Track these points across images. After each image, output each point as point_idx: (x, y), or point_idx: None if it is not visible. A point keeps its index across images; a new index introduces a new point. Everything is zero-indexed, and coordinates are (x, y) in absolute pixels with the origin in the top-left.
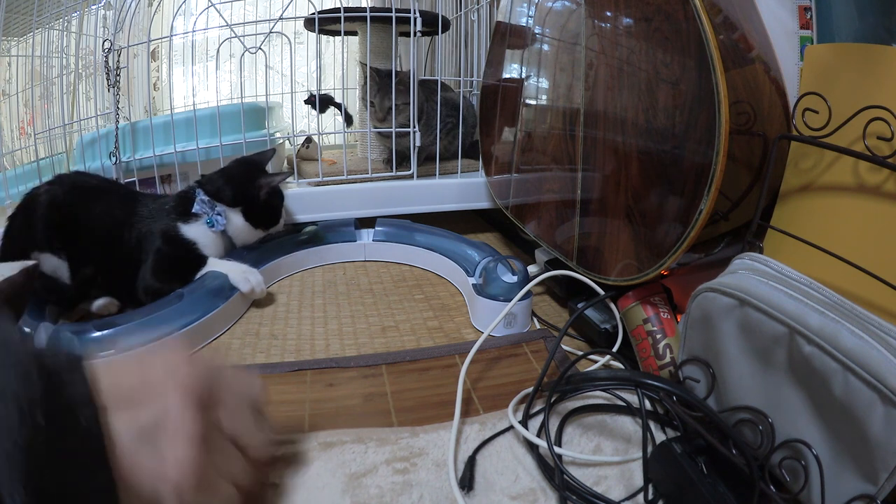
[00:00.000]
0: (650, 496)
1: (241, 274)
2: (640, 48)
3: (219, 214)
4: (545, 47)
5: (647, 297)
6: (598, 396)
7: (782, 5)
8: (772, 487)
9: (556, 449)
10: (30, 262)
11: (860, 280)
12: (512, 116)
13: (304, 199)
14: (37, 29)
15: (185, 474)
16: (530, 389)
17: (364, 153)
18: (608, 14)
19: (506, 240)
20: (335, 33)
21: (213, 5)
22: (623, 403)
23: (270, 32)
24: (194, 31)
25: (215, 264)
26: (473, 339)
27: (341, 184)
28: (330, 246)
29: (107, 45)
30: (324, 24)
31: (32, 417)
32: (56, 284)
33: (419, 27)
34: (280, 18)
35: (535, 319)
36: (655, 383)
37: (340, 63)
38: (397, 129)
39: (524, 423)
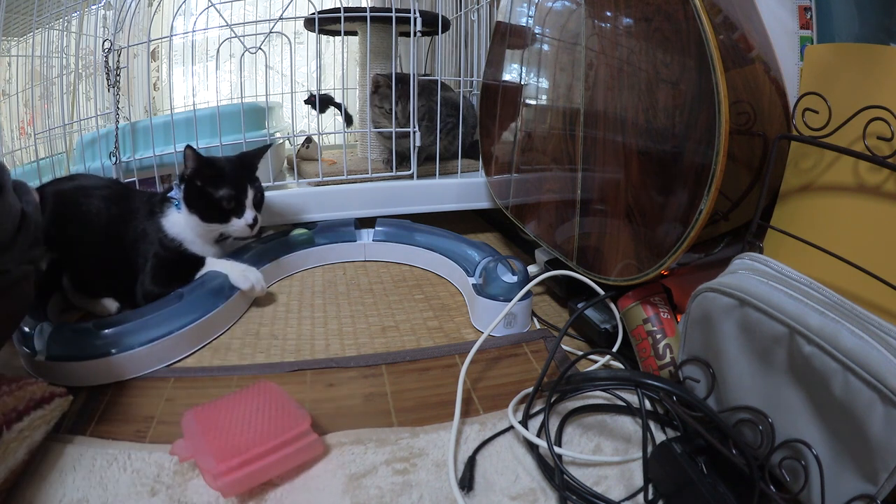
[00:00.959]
0: (650, 496)
1: (240, 272)
2: (640, 48)
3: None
4: (545, 47)
5: (647, 297)
6: (598, 396)
7: (782, 5)
8: (772, 487)
9: (556, 449)
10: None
11: (860, 280)
12: (512, 116)
13: (304, 199)
14: (37, 29)
15: None
16: (530, 389)
17: (364, 153)
18: (608, 14)
19: (506, 240)
20: (335, 33)
21: (213, 5)
22: (623, 403)
23: (270, 32)
24: (194, 31)
25: (214, 264)
26: (473, 339)
27: (341, 184)
28: (330, 246)
29: (107, 45)
30: (324, 24)
31: None
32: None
33: (419, 27)
34: (280, 18)
35: (535, 319)
36: (655, 383)
37: (340, 63)
38: (397, 130)
39: (524, 423)
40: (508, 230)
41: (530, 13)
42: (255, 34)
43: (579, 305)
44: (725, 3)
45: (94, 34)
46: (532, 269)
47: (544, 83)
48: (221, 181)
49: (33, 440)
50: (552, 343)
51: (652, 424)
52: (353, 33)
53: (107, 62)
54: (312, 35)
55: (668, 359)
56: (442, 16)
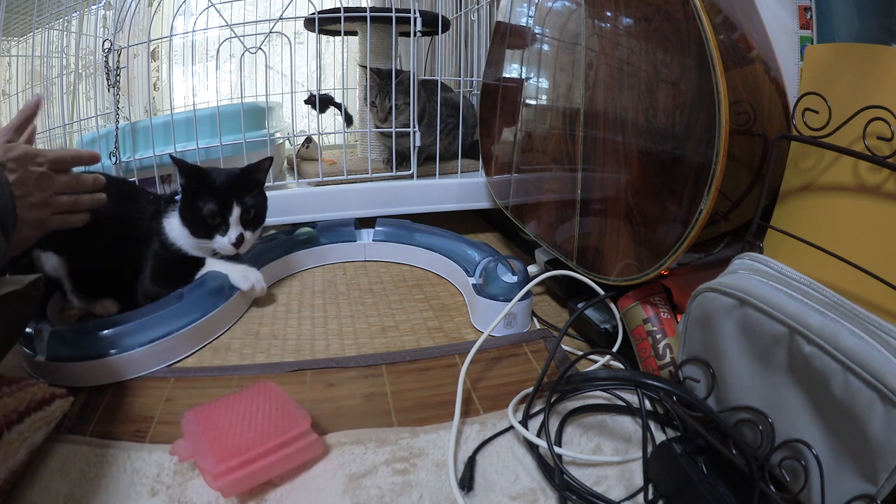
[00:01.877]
0: (650, 496)
1: (240, 273)
2: (640, 48)
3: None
4: (545, 47)
5: (647, 297)
6: (598, 396)
7: (782, 5)
8: (772, 487)
9: (556, 449)
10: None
11: (860, 280)
12: (512, 116)
13: (304, 199)
14: (37, 29)
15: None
16: (530, 389)
17: (364, 153)
18: (608, 14)
19: (506, 240)
20: (335, 33)
21: (213, 5)
22: (623, 403)
23: (270, 32)
24: (194, 31)
25: (214, 264)
26: (473, 339)
27: (341, 184)
28: (330, 246)
29: (107, 45)
30: (324, 24)
31: None
32: (55, 283)
33: (419, 27)
34: (280, 18)
35: (535, 319)
36: (655, 383)
37: (340, 63)
38: (398, 130)
39: (524, 423)
40: (508, 230)
41: (530, 13)
42: (256, 34)
43: (579, 305)
44: (725, 3)
45: (94, 34)
46: (532, 269)
47: (544, 83)
48: (209, 195)
49: (34, 441)
50: (552, 343)
51: (652, 424)
52: (353, 33)
53: (107, 62)
54: (312, 35)
55: (668, 359)
56: (442, 16)
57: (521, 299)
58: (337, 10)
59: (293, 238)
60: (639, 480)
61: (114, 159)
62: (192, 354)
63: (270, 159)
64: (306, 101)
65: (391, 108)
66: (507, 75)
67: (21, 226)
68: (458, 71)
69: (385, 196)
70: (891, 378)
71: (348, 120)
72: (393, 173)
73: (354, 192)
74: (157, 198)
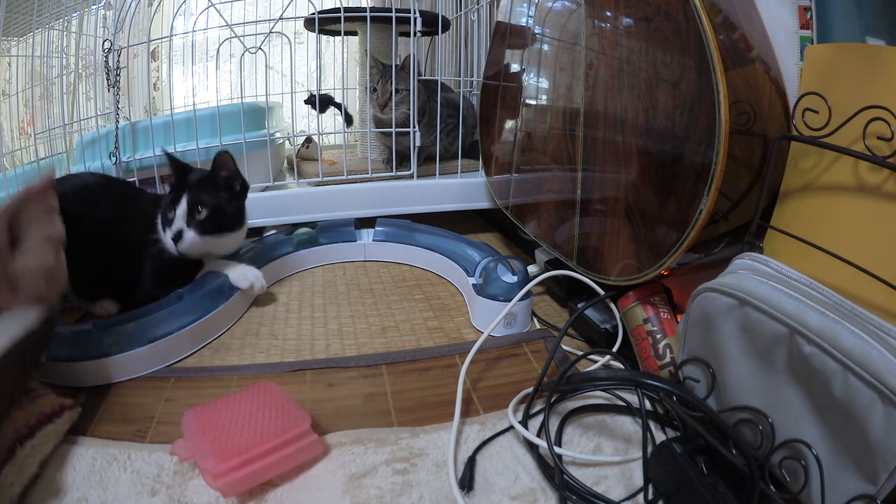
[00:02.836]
0: (650, 496)
1: (240, 272)
2: (640, 48)
3: None
4: (545, 47)
5: (647, 297)
6: (598, 396)
7: (782, 5)
8: (772, 487)
9: (557, 449)
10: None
11: (860, 280)
12: (512, 116)
13: (304, 199)
14: (37, 29)
15: None
16: (530, 389)
17: (364, 153)
18: (608, 14)
19: (506, 240)
20: (335, 33)
21: (213, 5)
22: (623, 403)
23: (270, 32)
24: (194, 31)
25: (214, 264)
26: (473, 339)
27: (341, 184)
28: (330, 246)
29: (107, 45)
30: (324, 24)
31: None
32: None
33: (419, 27)
34: (280, 18)
35: (535, 319)
36: (655, 383)
37: (340, 63)
38: (398, 129)
39: (524, 423)
40: (508, 230)
41: (530, 13)
42: (255, 34)
43: (579, 305)
44: (725, 3)
45: (94, 34)
46: (532, 269)
47: (544, 83)
48: (175, 189)
49: (44, 452)
50: (552, 343)
51: (652, 424)
52: (353, 33)
53: (107, 62)
54: (312, 35)
55: (668, 359)
56: (442, 16)
57: (522, 299)
58: (337, 10)
59: (293, 238)
60: (639, 480)
61: (114, 159)
62: (192, 354)
63: (226, 152)
64: (306, 101)
65: (392, 92)
66: (508, 75)
67: None
68: (458, 71)
69: (385, 196)
70: (891, 378)
71: (348, 120)
72: (393, 173)
73: (354, 192)
74: (157, 198)
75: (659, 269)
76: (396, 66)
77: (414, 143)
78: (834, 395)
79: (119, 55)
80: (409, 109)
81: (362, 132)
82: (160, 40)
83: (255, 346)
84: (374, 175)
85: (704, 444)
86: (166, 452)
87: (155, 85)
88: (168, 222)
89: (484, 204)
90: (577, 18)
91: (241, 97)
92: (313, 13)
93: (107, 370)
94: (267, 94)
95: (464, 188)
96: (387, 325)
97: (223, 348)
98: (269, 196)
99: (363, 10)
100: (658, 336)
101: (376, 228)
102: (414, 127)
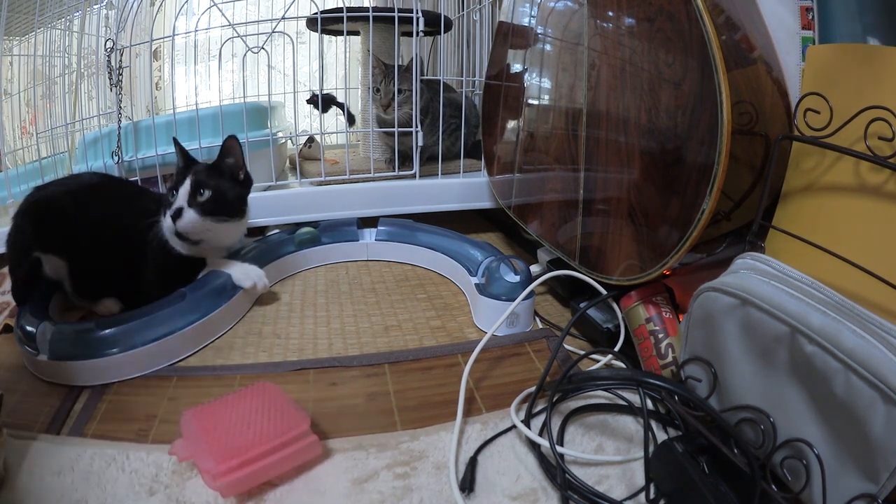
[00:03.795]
0: (652, 495)
1: (242, 271)
2: (642, 48)
3: None
4: (548, 47)
5: (649, 297)
6: (600, 396)
7: (784, 6)
8: (773, 487)
9: (559, 448)
10: None
11: (862, 280)
12: (514, 116)
13: (306, 199)
14: (39, 28)
15: None
16: (533, 389)
17: (366, 153)
18: (611, 14)
19: (508, 239)
20: (337, 33)
21: (215, 5)
22: (625, 403)
23: (273, 32)
24: (196, 30)
25: (217, 263)
26: (476, 339)
27: (344, 183)
28: (332, 245)
29: (109, 44)
30: (326, 23)
31: None
32: (56, 284)
33: (421, 27)
34: (282, 18)
35: (537, 319)
36: (657, 383)
37: (343, 63)
38: (400, 129)
39: (526, 422)
40: (511, 230)
41: (533, 13)
42: (258, 34)
43: (581, 305)
44: (727, 3)
45: (97, 34)
46: (534, 268)
47: (547, 83)
48: (178, 174)
49: None
50: (554, 342)
51: (654, 424)
52: (356, 33)
53: (109, 61)
54: (314, 35)
55: (669, 358)
56: (444, 16)
57: (525, 299)
58: (339, 9)
59: (295, 237)
60: (640, 480)
61: (116, 159)
62: (194, 354)
63: (234, 137)
64: (309, 101)
65: (395, 92)
66: (510, 75)
67: None
68: (460, 71)
69: (387, 195)
70: (892, 377)
71: (350, 120)
72: (395, 173)
73: (357, 191)
74: (159, 197)
75: (661, 268)
76: (399, 66)
77: (416, 143)
78: (835, 394)
79: (121, 54)
80: (412, 109)
81: (365, 132)
82: (162, 40)
83: (258, 346)
84: (377, 175)
85: (706, 443)
86: (164, 452)
87: (157, 84)
88: (169, 205)
89: (486, 204)
90: (579, 19)
91: (244, 97)
92: (315, 13)
93: (109, 369)
94: (269, 94)
95: (466, 188)
96: (389, 325)
97: (226, 347)
98: (271, 195)
99: (365, 9)
100: (660, 336)
101: (379, 228)
102: (416, 127)
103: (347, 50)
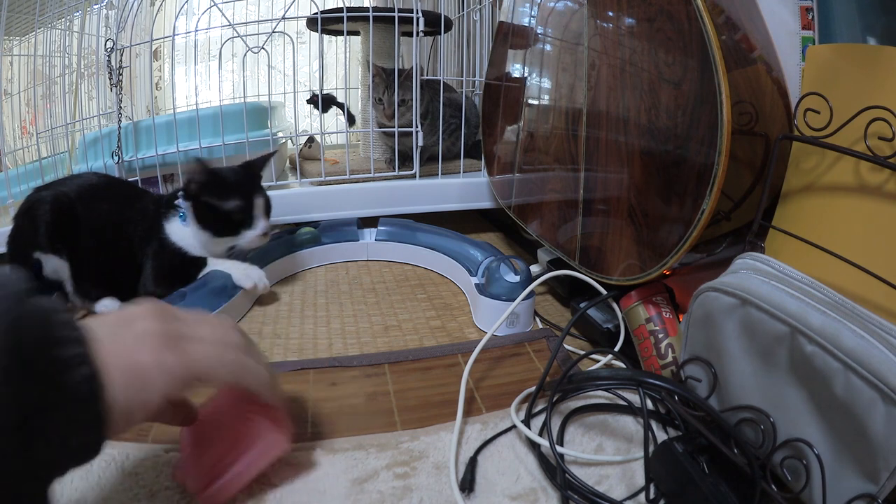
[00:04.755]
0: (652, 495)
1: (242, 272)
2: (642, 48)
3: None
4: (548, 47)
5: (649, 297)
6: (600, 396)
7: (784, 6)
8: (773, 487)
9: (558, 448)
10: None
11: (862, 280)
12: (514, 116)
13: (306, 199)
14: (39, 28)
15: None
16: (533, 389)
17: (366, 153)
18: (611, 14)
19: (508, 239)
20: (337, 33)
21: (215, 5)
22: (625, 403)
23: (273, 32)
24: (197, 30)
25: (217, 263)
26: (476, 339)
27: (344, 183)
28: (332, 245)
29: (109, 44)
30: (326, 23)
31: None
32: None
33: (422, 27)
34: (282, 18)
35: (537, 319)
36: (657, 382)
37: (343, 63)
38: (400, 129)
39: (526, 422)
40: (511, 230)
41: (533, 13)
42: (258, 34)
43: (581, 305)
44: (727, 3)
45: (97, 34)
46: (534, 268)
47: (546, 83)
48: (229, 193)
49: None
50: (554, 342)
51: (654, 424)
52: (356, 33)
53: (109, 61)
54: (315, 35)
55: (669, 358)
56: (444, 16)
57: (525, 299)
58: (339, 9)
59: (295, 238)
60: (640, 480)
61: (116, 159)
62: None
63: (273, 153)
64: (309, 101)
65: (398, 103)
66: (510, 75)
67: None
68: (460, 71)
69: (387, 196)
70: (892, 377)
71: (351, 120)
72: (395, 173)
73: (357, 191)
74: (159, 198)
75: (661, 268)
76: (400, 70)
77: (416, 143)
78: (835, 394)
79: (121, 55)
80: (414, 116)
81: (365, 132)
82: (162, 40)
83: (258, 346)
84: (377, 175)
85: (706, 443)
86: (164, 452)
87: (157, 84)
88: (242, 223)
89: (486, 204)
90: (579, 19)
91: (244, 97)
92: (316, 13)
93: None
94: (269, 94)
95: (466, 188)
96: (389, 325)
97: None
98: (271, 195)
99: (365, 9)
100: (660, 335)
101: (379, 228)
102: (416, 127)
103: (347, 50)
